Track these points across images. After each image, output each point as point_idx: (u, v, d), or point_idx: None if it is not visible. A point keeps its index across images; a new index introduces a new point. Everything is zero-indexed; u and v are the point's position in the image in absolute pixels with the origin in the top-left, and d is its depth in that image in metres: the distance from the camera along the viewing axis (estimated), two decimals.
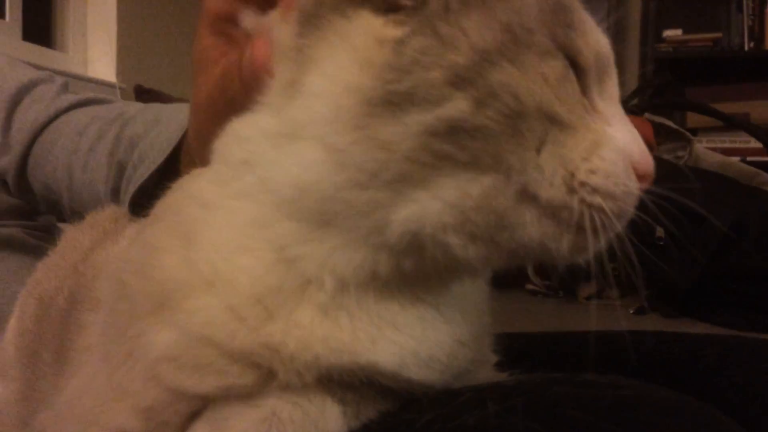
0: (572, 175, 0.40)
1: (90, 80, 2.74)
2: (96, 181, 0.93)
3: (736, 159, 2.45)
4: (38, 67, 2.34)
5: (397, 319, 0.44)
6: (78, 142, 0.95)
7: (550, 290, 2.11)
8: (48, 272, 0.71)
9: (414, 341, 0.44)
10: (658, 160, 1.59)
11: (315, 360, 0.42)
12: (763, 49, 3.53)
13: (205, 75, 0.52)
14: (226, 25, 0.55)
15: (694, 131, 3.36)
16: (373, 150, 0.40)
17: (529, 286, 2.16)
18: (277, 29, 0.47)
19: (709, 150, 2.42)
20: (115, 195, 0.88)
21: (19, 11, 2.60)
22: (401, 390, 0.45)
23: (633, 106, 2.24)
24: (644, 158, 0.42)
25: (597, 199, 0.40)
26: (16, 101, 0.99)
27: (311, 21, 0.44)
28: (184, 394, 0.42)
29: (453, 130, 0.39)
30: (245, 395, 0.42)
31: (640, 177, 0.42)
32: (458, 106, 0.39)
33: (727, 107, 3.32)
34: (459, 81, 0.39)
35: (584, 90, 0.42)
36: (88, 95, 1.05)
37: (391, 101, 0.40)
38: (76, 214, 0.92)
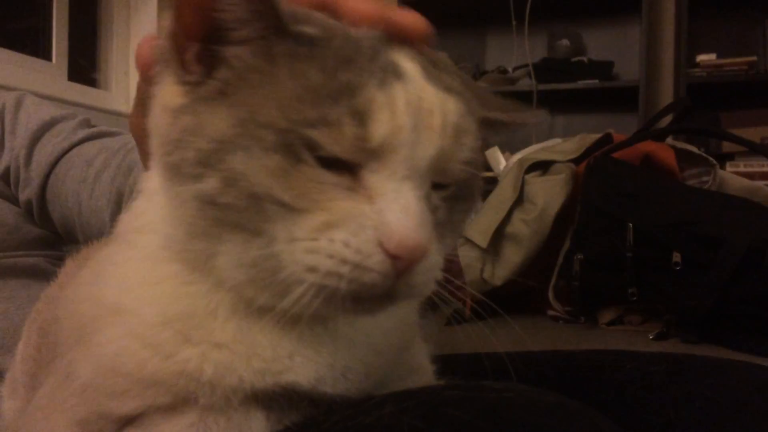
0: (292, 252, 0.43)
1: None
2: (101, 209, 1.00)
3: (762, 183, 2.41)
4: (83, 106, 2.47)
5: (306, 336, 0.48)
6: (86, 172, 1.02)
7: (571, 316, 2.11)
8: (48, 303, 0.76)
9: (328, 356, 0.49)
10: (679, 185, 1.58)
11: (239, 383, 0.46)
12: None
13: None
14: None
15: (731, 156, 3.32)
16: (182, 206, 0.46)
17: (550, 312, 2.16)
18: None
19: (735, 175, 2.39)
20: (115, 221, 0.96)
21: (65, 54, 2.76)
22: (323, 400, 0.49)
23: (654, 132, 2.24)
24: (396, 239, 0.42)
25: (311, 277, 0.43)
26: (37, 137, 1.07)
27: (159, 76, 0.49)
28: (110, 414, 0.47)
29: (213, 202, 0.43)
30: (170, 410, 0.47)
31: (394, 256, 0.42)
32: (210, 184, 0.43)
33: (764, 131, 3.28)
34: (207, 163, 0.43)
35: (351, 170, 0.44)
36: (101, 128, 1.12)
37: (171, 170, 0.45)
38: (88, 241, 0.99)
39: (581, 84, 3.60)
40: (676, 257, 1.84)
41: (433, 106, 0.46)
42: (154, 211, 0.51)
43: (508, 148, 3.25)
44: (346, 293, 0.43)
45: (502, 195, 2.18)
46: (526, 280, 2.10)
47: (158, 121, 0.47)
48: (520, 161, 2.25)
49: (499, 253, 2.13)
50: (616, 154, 2.15)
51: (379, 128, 0.43)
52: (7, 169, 1.07)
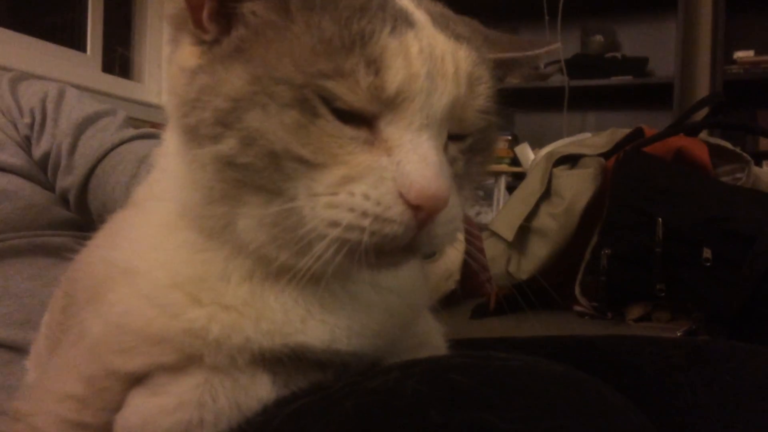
0: (313, 208, 0.43)
1: (164, 108, 2.92)
2: None
3: None
4: (116, 96, 2.52)
5: (326, 299, 0.49)
6: (138, 168, 1.05)
7: (598, 312, 2.08)
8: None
9: (346, 318, 0.49)
10: (711, 181, 1.55)
11: (246, 343, 0.46)
12: None
13: None
14: None
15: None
16: (200, 169, 0.46)
17: (577, 308, 2.13)
18: None
19: None
20: None
21: (100, 45, 2.81)
22: (333, 362, 0.49)
23: (686, 126, 2.20)
24: (416, 189, 0.42)
25: (333, 231, 0.42)
26: (81, 129, 1.11)
27: (173, 42, 0.49)
28: (117, 371, 0.48)
29: (232, 163, 0.43)
30: (177, 369, 0.47)
31: (414, 207, 0.42)
32: (229, 144, 0.43)
33: None
34: (225, 122, 0.43)
35: (368, 123, 0.44)
36: (149, 130, 1.16)
37: (190, 131, 0.45)
38: None
39: (614, 80, 3.55)
40: (707, 253, 1.80)
41: (445, 54, 0.46)
42: (169, 178, 0.52)
43: (538, 144, 3.23)
44: (369, 246, 0.43)
45: (529, 188, 2.16)
46: (552, 274, 2.08)
47: (175, 82, 0.47)
48: (549, 154, 2.23)
49: (525, 247, 2.11)
50: (647, 149, 2.11)
51: (394, 76, 0.43)
52: (46, 155, 1.10)
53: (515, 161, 3.42)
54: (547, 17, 3.60)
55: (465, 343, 0.74)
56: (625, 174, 2.03)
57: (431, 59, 0.45)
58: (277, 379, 0.48)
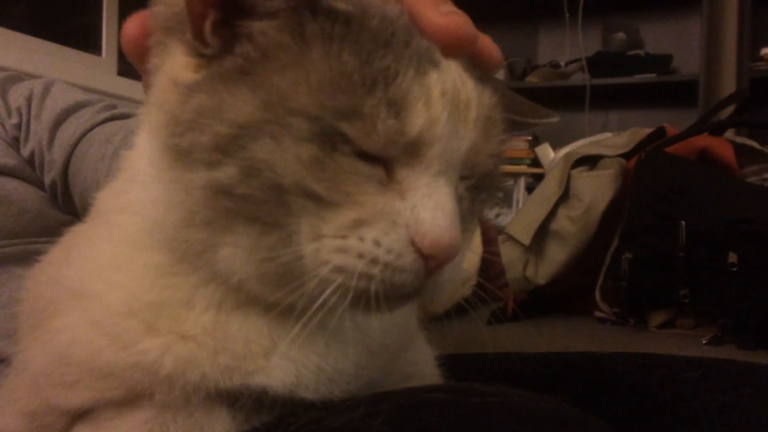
0: (319, 250, 0.40)
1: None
2: None
3: None
4: (131, 100, 2.50)
5: (294, 332, 0.44)
6: (105, 149, 1.01)
7: (620, 318, 2.02)
8: None
9: (317, 357, 0.45)
10: (736, 182, 1.48)
11: (202, 380, 0.42)
12: None
13: None
14: None
15: None
16: (184, 192, 0.41)
17: (597, 313, 2.07)
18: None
19: None
20: None
21: (115, 49, 2.80)
22: (298, 404, 0.45)
23: (710, 125, 2.13)
24: (431, 238, 0.40)
25: (339, 277, 0.40)
26: (60, 120, 1.07)
27: (159, 46, 0.45)
28: (59, 406, 0.44)
29: (228, 192, 0.40)
30: (124, 404, 0.43)
31: (426, 256, 0.40)
32: (227, 173, 0.39)
33: None
34: (225, 149, 0.39)
35: (382, 161, 0.41)
36: (123, 110, 1.11)
37: (179, 153, 0.41)
38: None
39: (637, 78, 3.48)
40: (732, 258, 1.74)
41: (470, 97, 0.43)
42: (140, 192, 0.47)
43: (559, 144, 3.17)
44: (376, 294, 0.40)
45: (547, 190, 2.10)
46: (571, 279, 2.02)
47: (165, 96, 0.42)
48: (567, 155, 2.17)
49: (543, 251, 2.05)
50: (670, 149, 2.05)
51: (415, 120, 0.40)
52: (32, 154, 1.07)
53: (536, 162, 3.36)
54: (567, 15, 3.54)
55: (463, 359, 0.69)
56: (647, 175, 1.96)
57: (453, 102, 0.42)
58: (238, 413, 0.44)
